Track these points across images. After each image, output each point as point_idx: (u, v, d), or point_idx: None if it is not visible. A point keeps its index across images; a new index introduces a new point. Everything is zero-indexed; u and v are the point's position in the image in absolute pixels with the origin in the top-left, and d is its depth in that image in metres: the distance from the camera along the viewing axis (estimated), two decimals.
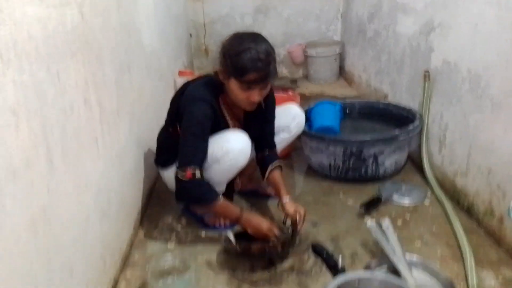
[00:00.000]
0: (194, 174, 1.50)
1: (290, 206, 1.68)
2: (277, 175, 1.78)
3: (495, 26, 1.57)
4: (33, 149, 0.94)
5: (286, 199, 1.71)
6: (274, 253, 1.55)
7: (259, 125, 1.78)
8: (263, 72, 1.48)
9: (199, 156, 1.54)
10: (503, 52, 1.53)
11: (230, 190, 1.95)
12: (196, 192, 1.55)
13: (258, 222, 1.59)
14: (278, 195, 1.75)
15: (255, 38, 1.53)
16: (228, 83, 1.54)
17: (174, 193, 1.83)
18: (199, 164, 1.52)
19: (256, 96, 1.53)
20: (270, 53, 1.50)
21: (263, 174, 1.81)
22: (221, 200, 1.58)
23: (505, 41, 1.51)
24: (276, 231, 1.56)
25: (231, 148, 1.57)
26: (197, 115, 1.55)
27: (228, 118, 1.69)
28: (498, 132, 1.59)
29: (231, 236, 1.55)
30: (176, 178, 1.54)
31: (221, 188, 1.71)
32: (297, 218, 1.62)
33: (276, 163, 1.80)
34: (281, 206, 1.71)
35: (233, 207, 1.62)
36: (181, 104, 1.61)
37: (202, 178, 1.53)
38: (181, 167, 1.52)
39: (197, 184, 1.52)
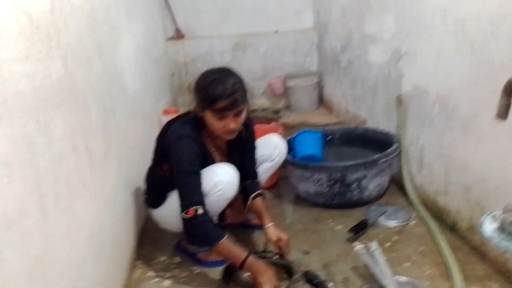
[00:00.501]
0: (196, 211, 1.52)
1: (272, 232, 1.70)
2: (259, 203, 1.82)
3: (455, 52, 1.69)
4: (27, 198, 0.97)
5: (268, 225, 1.73)
6: None
7: (242, 154, 1.84)
8: (232, 98, 1.54)
9: (198, 193, 1.56)
10: (465, 76, 1.63)
11: (222, 223, 1.98)
12: (200, 231, 1.55)
13: (261, 270, 1.52)
14: (261, 222, 1.78)
15: (222, 70, 1.63)
16: (205, 116, 1.61)
17: (165, 231, 1.85)
18: (199, 201, 1.55)
19: (231, 124, 1.58)
20: (236, 81, 1.59)
21: (245, 203, 1.85)
22: (225, 240, 1.56)
23: (465, 65, 1.62)
24: (275, 283, 1.51)
25: (219, 180, 1.61)
26: (186, 152, 1.59)
27: (212, 151, 1.74)
28: (470, 150, 1.67)
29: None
30: (182, 219, 1.55)
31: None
32: (280, 244, 1.65)
33: (257, 191, 1.84)
34: (264, 232, 1.74)
35: (238, 249, 1.58)
36: (166, 143, 1.66)
37: (206, 214, 1.54)
38: (183, 208, 1.54)
39: (200, 222, 1.53)
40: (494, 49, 1.44)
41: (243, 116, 1.64)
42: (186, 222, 1.54)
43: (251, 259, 1.53)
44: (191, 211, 1.52)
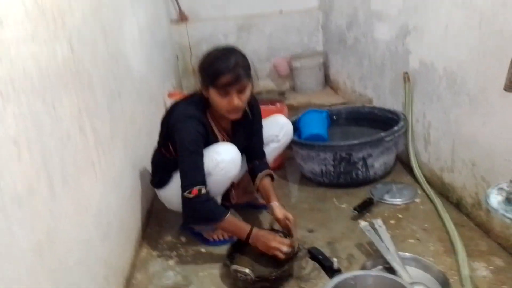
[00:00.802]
0: (200, 190, 1.54)
1: (279, 211, 1.72)
2: (267, 183, 1.83)
3: (463, 25, 1.66)
4: (35, 176, 1.00)
5: (275, 204, 1.75)
6: (288, 274, 1.59)
7: (247, 136, 1.84)
8: (235, 74, 1.54)
9: (201, 173, 1.58)
10: (473, 49, 1.61)
11: (226, 203, 2.00)
12: (204, 209, 1.57)
13: (268, 238, 1.58)
14: (267, 201, 1.79)
15: (225, 48, 1.64)
16: (209, 95, 1.61)
17: (172, 211, 1.88)
18: (202, 181, 1.57)
19: (235, 100, 1.58)
20: (239, 56, 1.59)
21: (254, 183, 1.86)
22: (230, 216, 1.60)
23: (474, 38, 1.60)
24: (285, 247, 1.56)
25: (221, 159, 1.62)
26: (190, 132, 1.60)
27: (217, 131, 1.75)
28: (477, 125, 1.66)
29: (240, 268, 1.52)
30: (183, 199, 1.56)
31: (217, 200, 1.76)
32: (287, 223, 1.67)
33: (266, 171, 1.86)
34: (271, 211, 1.76)
35: (242, 224, 1.64)
36: (170, 124, 1.66)
37: (208, 194, 1.57)
38: (186, 188, 1.55)
39: (204, 201, 1.55)
40: (503, 21, 1.41)
41: (247, 93, 1.63)
42: (189, 201, 1.54)
43: (256, 230, 1.59)
44: (194, 190, 1.53)
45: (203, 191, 1.54)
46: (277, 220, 1.72)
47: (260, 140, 1.91)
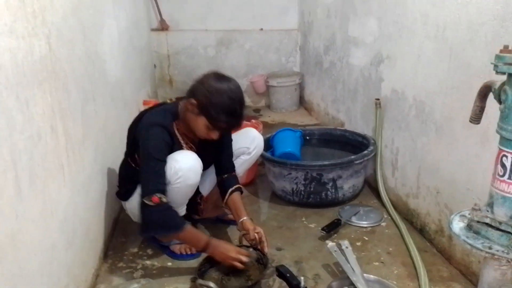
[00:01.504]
0: (160, 199, 1.51)
1: (249, 225, 1.73)
2: (236, 198, 1.83)
3: (434, 57, 1.74)
4: (2, 174, 0.96)
5: (244, 219, 1.75)
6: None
7: (215, 149, 1.84)
8: (235, 124, 1.62)
9: (163, 181, 1.56)
10: (442, 80, 1.69)
11: (195, 217, 1.98)
12: (164, 218, 1.54)
13: (226, 248, 1.61)
14: (236, 216, 1.79)
15: (235, 88, 1.60)
16: (196, 117, 1.59)
17: (139, 223, 1.82)
18: (163, 190, 1.54)
19: (215, 136, 1.63)
20: (244, 105, 1.61)
21: (223, 197, 1.86)
22: (189, 226, 1.59)
23: (443, 70, 1.68)
24: (243, 257, 1.58)
25: (179, 167, 1.59)
26: (155, 139, 1.58)
27: (183, 143, 1.72)
28: (442, 154, 1.73)
29: (204, 283, 1.51)
30: (142, 206, 1.52)
31: (181, 211, 1.74)
32: (256, 237, 1.68)
33: (235, 186, 1.85)
34: (240, 226, 1.76)
35: (201, 234, 1.65)
36: (137, 131, 1.64)
37: (168, 203, 1.55)
38: (147, 194, 1.52)
39: (165, 209, 1.53)
40: (471, 55, 1.50)
41: None
42: (149, 208, 1.51)
43: (215, 241, 1.61)
44: (155, 198, 1.50)
45: (164, 199, 1.52)
46: (247, 233, 1.72)
47: (230, 154, 1.91)
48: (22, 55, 1.10)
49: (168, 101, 1.79)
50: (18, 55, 1.08)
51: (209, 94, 1.55)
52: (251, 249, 1.70)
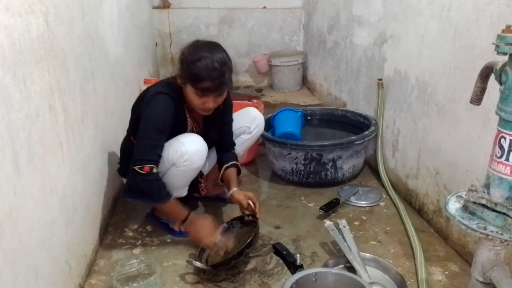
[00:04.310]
0: (151, 169, 1.53)
1: (238, 194, 1.75)
2: (230, 173, 1.85)
3: (438, 36, 1.72)
4: (0, 152, 0.96)
5: (233, 190, 1.77)
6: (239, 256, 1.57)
7: (218, 129, 1.85)
8: (218, 81, 1.53)
9: (158, 152, 1.56)
10: (446, 61, 1.67)
11: (195, 195, 2.00)
12: (151, 187, 1.56)
13: (201, 226, 1.62)
14: (228, 189, 1.81)
15: (212, 47, 1.58)
16: (185, 87, 1.59)
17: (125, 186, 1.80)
18: (157, 162, 1.55)
19: (210, 103, 1.58)
20: (225, 62, 1.55)
21: (219, 174, 1.88)
22: (173, 200, 1.62)
23: (447, 50, 1.65)
24: (216, 240, 1.57)
25: (185, 150, 1.61)
26: (160, 108, 1.57)
27: (188, 118, 1.73)
28: (443, 135, 1.73)
29: (197, 264, 1.55)
30: (132, 171, 1.53)
31: (182, 192, 1.77)
32: (249, 202, 1.71)
33: (231, 162, 1.87)
34: (231, 197, 1.78)
35: (181, 209, 1.64)
36: (141, 107, 1.63)
37: (158, 174, 1.57)
38: (139, 162, 1.52)
39: (153, 180, 1.54)
40: (476, 35, 1.47)
41: (224, 96, 1.63)
42: (138, 175, 1.52)
43: (193, 216, 1.63)
44: (147, 168, 1.51)
45: (155, 170, 1.53)
46: (239, 202, 1.74)
47: (230, 132, 1.92)
48: (19, 32, 1.09)
49: (175, 77, 1.75)
50: (15, 32, 1.07)
51: (186, 58, 1.55)
52: (250, 217, 1.74)
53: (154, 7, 4.04)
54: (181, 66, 1.58)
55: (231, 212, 2.01)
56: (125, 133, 1.88)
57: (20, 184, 1.05)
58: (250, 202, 1.71)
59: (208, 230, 1.61)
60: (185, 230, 1.68)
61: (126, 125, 1.84)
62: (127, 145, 1.81)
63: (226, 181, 1.85)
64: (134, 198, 1.67)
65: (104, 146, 1.91)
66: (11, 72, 1.04)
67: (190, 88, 1.56)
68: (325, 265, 1.55)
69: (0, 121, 0.97)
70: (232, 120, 1.90)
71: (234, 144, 1.93)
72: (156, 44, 4.09)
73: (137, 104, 1.72)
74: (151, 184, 1.55)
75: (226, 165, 1.85)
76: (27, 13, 1.15)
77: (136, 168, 1.52)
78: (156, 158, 1.55)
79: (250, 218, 1.74)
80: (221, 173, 1.86)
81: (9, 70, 1.03)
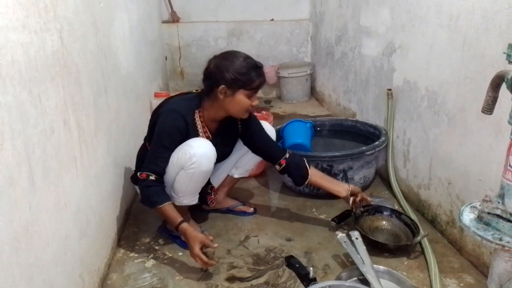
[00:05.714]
0: (148, 176, 1.65)
1: (354, 189, 1.89)
2: (316, 173, 1.93)
3: (447, 46, 1.72)
4: (16, 167, 0.98)
5: (341, 193, 1.89)
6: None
7: (229, 143, 1.89)
8: (263, 75, 1.71)
9: (161, 166, 1.67)
10: (455, 70, 1.67)
11: (205, 207, 2.00)
12: (146, 192, 1.67)
13: (191, 235, 1.61)
14: (330, 193, 1.92)
15: (236, 52, 1.73)
16: (233, 97, 1.66)
17: (151, 212, 1.87)
18: (155, 172, 1.66)
19: (257, 100, 1.73)
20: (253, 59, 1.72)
21: (302, 178, 1.89)
22: (168, 206, 1.65)
23: (456, 60, 1.65)
24: (197, 258, 1.58)
25: (193, 153, 1.65)
26: (169, 126, 1.67)
27: (200, 131, 1.76)
28: (454, 145, 1.72)
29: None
30: (135, 178, 1.72)
31: (193, 200, 1.80)
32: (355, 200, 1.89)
33: (304, 163, 1.89)
34: (345, 200, 1.92)
35: (176, 215, 1.66)
36: (158, 115, 1.72)
37: (156, 181, 1.66)
38: (141, 170, 1.68)
39: (147, 186, 1.66)
40: (485, 44, 1.47)
41: None
42: (138, 181, 1.70)
43: (185, 225, 1.65)
44: (144, 174, 1.65)
45: (151, 177, 1.65)
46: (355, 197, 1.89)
47: (269, 138, 1.93)
48: (35, 50, 1.12)
49: (194, 91, 1.85)
50: (31, 50, 1.10)
51: (229, 68, 1.64)
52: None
53: (164, 22, 4.10)
54: (224, 81, 1.64)
55: (242, 224, 2.01)
56: (137, 146, 1.90)
57: (35, 199, 1.07)
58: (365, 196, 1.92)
59: (198, 239, 1.60)
60: (181, 234, 1.70)
61: (138, 138, 1.87)
62: (143, 152, 1.86)
63: (320, 183, 1.92)
64: (143, 204, 1.80)
65: (117, 159, 1.93)
66: (27, 89, 1.06)
67: (241, 93, 1.66)
68: (338, 278, 1.53)
69: (17, 137, 0.99)
70: (263, 128, 1.92)
71: (283, 149, 1.94)
72: (166, 58, 4.14)
73: (156, 112, 1.78)
74: (147, 188, 1.67)
75: (309, 169, 1.89)
76: (43, 31, 1.18)
77: (137, 174, 1.69)
78: (155, 168, 1.66)
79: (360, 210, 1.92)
80: (310, 179, 1.88)
81: (25, 86, 1.05)
